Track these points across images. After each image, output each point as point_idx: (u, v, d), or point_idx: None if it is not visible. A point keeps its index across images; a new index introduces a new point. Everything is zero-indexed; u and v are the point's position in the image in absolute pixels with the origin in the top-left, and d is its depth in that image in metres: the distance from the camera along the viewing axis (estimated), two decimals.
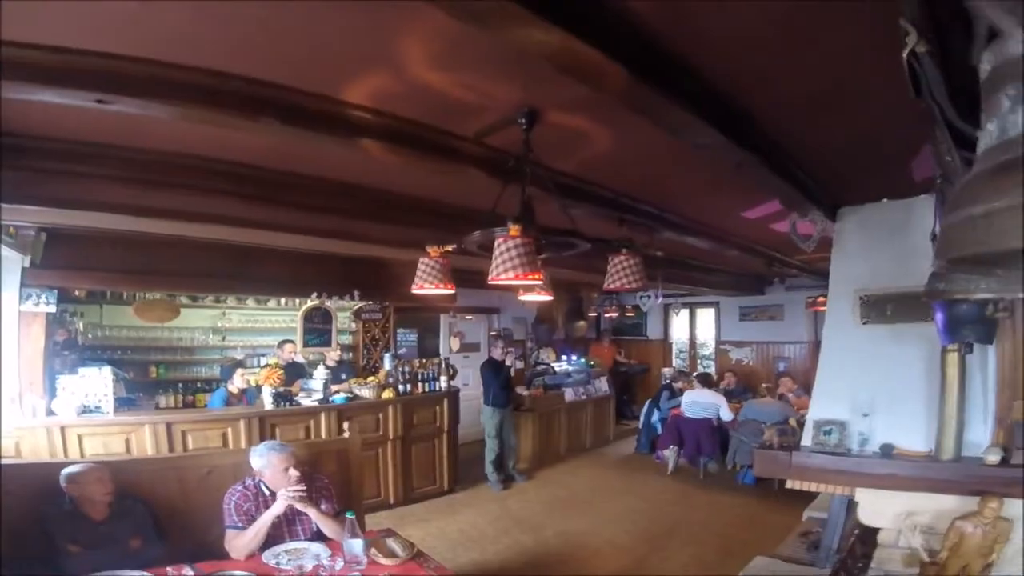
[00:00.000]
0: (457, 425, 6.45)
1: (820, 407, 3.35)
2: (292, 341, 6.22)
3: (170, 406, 5.29)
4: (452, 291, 2.90)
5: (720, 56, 1.84)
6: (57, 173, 2.59)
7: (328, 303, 6.29)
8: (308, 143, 2.35)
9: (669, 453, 7.11)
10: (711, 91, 2.02)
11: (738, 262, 6.64)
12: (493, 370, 6.54)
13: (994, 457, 2.79)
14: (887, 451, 3.03)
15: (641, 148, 2.69)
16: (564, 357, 9.13)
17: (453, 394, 6.37)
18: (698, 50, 1.80)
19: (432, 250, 2.80)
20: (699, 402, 7.01)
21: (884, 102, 2.06)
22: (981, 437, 2.90)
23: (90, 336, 5.79)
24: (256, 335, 6.91)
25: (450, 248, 2.79)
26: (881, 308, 3.18)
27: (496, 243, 2.18)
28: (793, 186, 2.87)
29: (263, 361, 6.19)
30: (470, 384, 8.11)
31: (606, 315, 10.61)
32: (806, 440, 3.27)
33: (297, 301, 6.51)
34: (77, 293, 5.40)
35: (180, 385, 6.20)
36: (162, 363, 6.37)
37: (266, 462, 2.74)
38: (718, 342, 10.36)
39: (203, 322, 6.64)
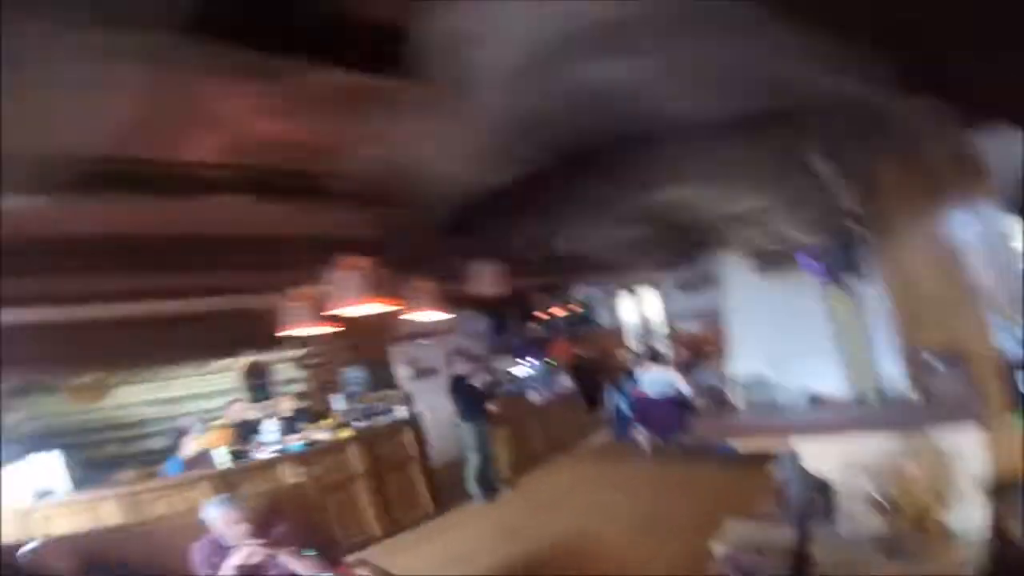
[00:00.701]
0: (427, 449, 6.42)
1: (740, 364, 3.44)
2: (240, 400, 6.14)
3: (130, 480, 5.17)
4: (327, 329, 2.95)
5: None
6: None
7: (262, 357, 6.23)
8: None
9: (640, 435, 7.25)
10: None
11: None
12: (458, 386, 6.58)
13: (909, 391, 2.86)
14: (813, 400, 3.12)
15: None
16: (523, 361, 9.21)
17: (414, 420, 6.36)
18: None
19: (293, 294, 2.83)
20: (656, 379, 7.15)
21: None
22: (895, 373, 2.97)
23: (35, 426, 5.62)
24: (201, 400, 6.75)
25: (310, 290, 2.80)
26: (774, 259, 3.25)
27: (335, 274, 2.22)
28: None
29: (214, 424, 6.07)
30: (436, 408, 8.05)
31: (557, 313, 10.75)
32: (735, 399, 3.37)
33: (231, 361, 6.42)
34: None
35: (136, 459, 5.98)
36: (111, 441, 6.21)
37: (216, 517, 2.77)
38: (667, 318, 10.60)
39: (145, 395, 6.50)
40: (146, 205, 2.25)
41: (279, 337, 5.77)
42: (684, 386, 6.98)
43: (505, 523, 5.76)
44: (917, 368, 2.88)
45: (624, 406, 7.99)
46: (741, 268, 3.51)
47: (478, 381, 6.86)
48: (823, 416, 3.03)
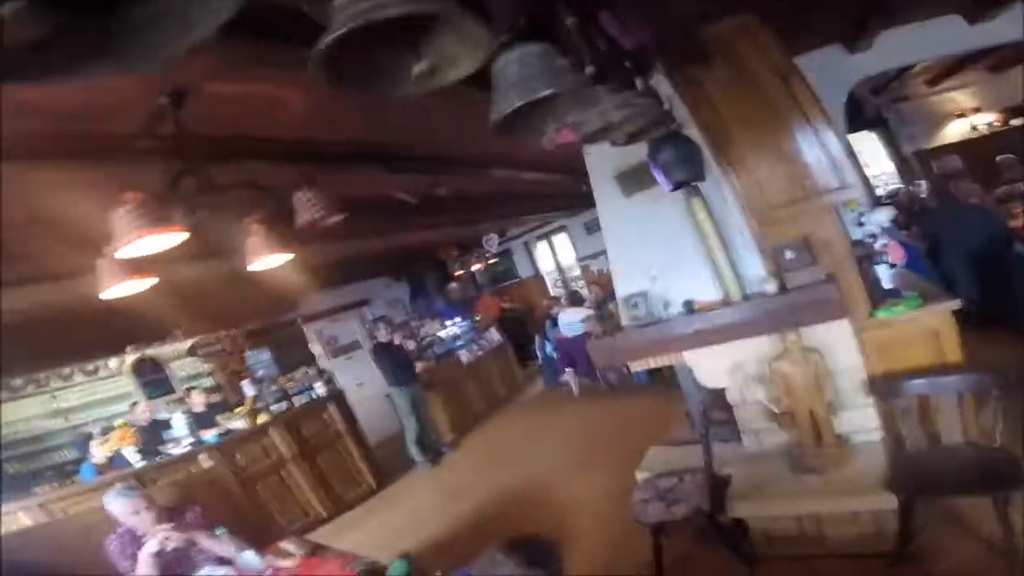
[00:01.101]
0: (356, 425, 6.37)
1: (621, 283, 3.53)
2: (139, 401, 5.85)
3: (45, 493, 4.88)
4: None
5: None
6: None
7: (150, 351, 5.92)
8: None
9: (568, 377, 7.46)
10: None
11: (550, 185, 6.81)
12: (385, 352, 6.54)
13: (770, 287, 2.94)
14: (688, 307, 3.20)
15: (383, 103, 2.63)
16: (450, 322, 9.24)
17: (338, 395, 6.27)
18: None
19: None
20: (572, 322, 7.34)
21: None
22: (758, 271, 3.10)
23: None
24: (101, 407, 6.39)
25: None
26: (635, 180, 3.37)
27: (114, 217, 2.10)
28: None
29: (117, 425, 5.77)
30: (364, 383, 8.00)
31: (473, 269, 10.79)
32: (624, 320, 3.46)
33: (118, 362, 6.09)
34: None
35: (48, 472, 5.78)
36: (13, 458, 5.83)
37: (116, 510, 2.65)
38: (578, 260, 10.88)
39: (38, 409, 6.10)
40: None
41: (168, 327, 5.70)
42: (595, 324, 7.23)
43: (451, 484, 5.84)
44: (775, 264, 3.02)
45: (552, 351, 8.21)
46: (608, 193, 3.58)
47: (401, 345, 6.82)
48: (701, 325, 3.12)
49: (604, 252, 9.75)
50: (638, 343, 3.33)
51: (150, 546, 2.56)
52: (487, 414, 8.02)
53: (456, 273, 10.70)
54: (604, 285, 8.94)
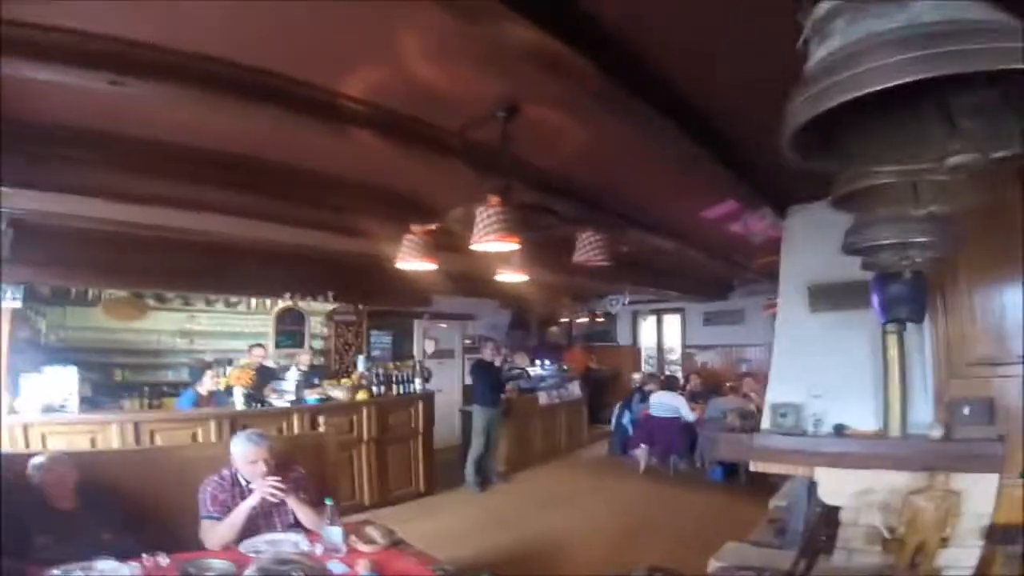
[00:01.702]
0: (432, 427, 6.46)
1: (776, 392, 3.51)
2: (262, 345, 6.20)
3: (135, 409, 5.20)
4: (435, 266, 3.00)
5: (677, 56, 2.00)
6: (38, 157, 2.61)
7: (301, 304, 6.26)
8: (298, 132, 2.43)
9: (640, 452, 7.26)
10: (668, 87, 2.19)
11: (699, 265, 6.88)
12: (484, 370, 6.65)
13: (937, 433, 2.93)
14: (839, 430, 3.19)
15: (608, 145, 2.83)
16: (538, 362, 9.23)
17: (428, 396, 6.40)
18: (659, 52, 1.96)
19: (416, 228, 2.91)
20: (664, 403, 7.22)
21: None
22: (924, 415, 3.06)
23: (52, 337, 5.64)
24: (225, 339, 6.78)
25: (433, 227, 2.89)
26: (828, 297, 3.38)
27: (478, 211, 2.31)
28: (746, 183, 3.07)
29: (232, 366, 6.12)
30: (444, 390, 8.14)
31: (577, 320, 10.77)
32: (765, 424, 3.44)
33: (268, 304, 6.46)
34: (42, 291, 5.29)
35: (146, 388, 6.08)
36: (127, 366, 6.20)
37: (239, 452, 2.74)
38: (684, 346, 10.63)
39: (170, 325, 6.51)
40: (275, 121, 2.31)
41: (317, 287, 6.08)
42: (688, 413, 7.07)
43: (495, 512, 5.79)
44: (946, 411, 2.96)
45: (628, 423, 8.00)
46: (792, 301, 3.58)
47: (501, 368, 6.91)
48: (848, 448, 3.10)
49: (714, 347, 9.83)
50: (774, 447, 3.32)
51: (253, 499, 2.62)
52: (545, 459, 7.93)
53: (560, 318, 10.73)
54: (705, 379, 8.69)
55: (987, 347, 2.86)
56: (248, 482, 2.71)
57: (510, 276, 3.27)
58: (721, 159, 2.72)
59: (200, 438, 4.70)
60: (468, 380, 6.79)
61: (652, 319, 11.06)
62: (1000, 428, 2.88)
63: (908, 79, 0.80)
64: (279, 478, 2.70)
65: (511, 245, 2.40)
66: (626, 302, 8.33)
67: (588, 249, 2.97)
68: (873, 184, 1.06)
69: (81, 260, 4.69)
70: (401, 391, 6.16)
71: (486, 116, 2.31)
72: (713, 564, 3.41)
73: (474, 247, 2.39)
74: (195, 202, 3.23)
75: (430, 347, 8.70)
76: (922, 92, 0.91)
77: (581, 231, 3.02)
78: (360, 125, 2.31)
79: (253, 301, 6.78)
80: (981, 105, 0.96)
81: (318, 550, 2.50)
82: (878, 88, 0.83)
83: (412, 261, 2.92)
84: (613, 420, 8.42)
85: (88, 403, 4.66)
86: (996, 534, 2.84)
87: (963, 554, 2.90)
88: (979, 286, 2.91)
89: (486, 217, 2.29)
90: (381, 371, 6.12)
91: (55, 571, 2.15)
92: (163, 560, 2.31)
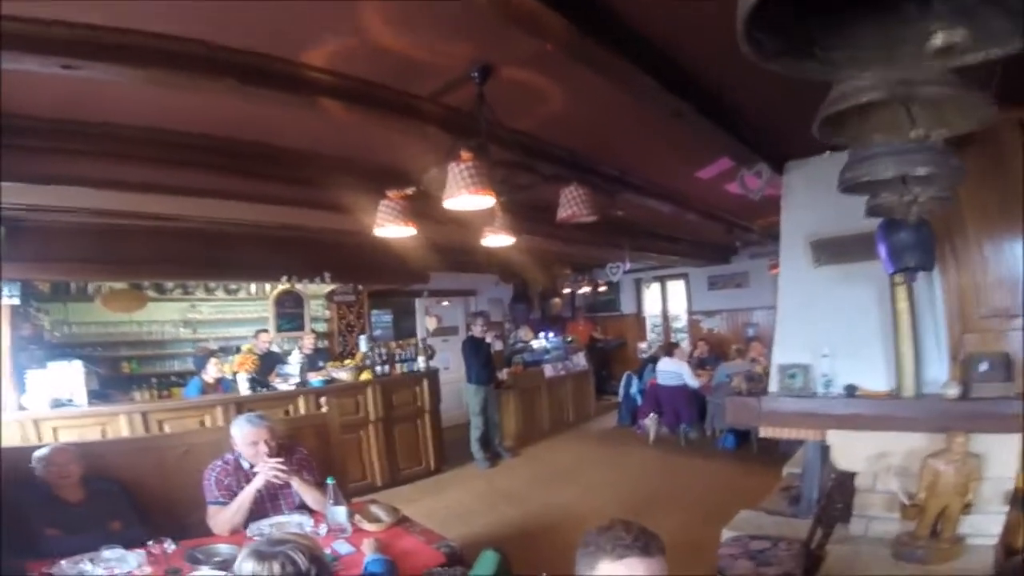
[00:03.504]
0: (439, 405, 6.47)
1: (783, 352, 3.42)
2: (267, 330, 6.19)
3: (145, 400, 5.22)
4: (414, 231, 2.92)
5: (655, 9, 1.93)
6: (23, 149, 2.57)
7: (299, 286, 6.24)
8: (269, 108, 2.37)
9: (649, 422, 7.23)
10: (648, 43, 2.13)
11: (699, 228, 6.81)
12: (474, 347, 6.57)
13: (953, 392, 2.84)
14: (851, 391, 3.10)
15: (593, 106, 2.77)
16: (541, 335, 9.20)
17: (433, 374, 6.39)
18: (636, 7, 1.90)
19: (392, 193, 2.83)
20: (668, 370, 7.16)
21: None
22: (938, 373, 2.98)
23: (56, 333, 5.65)
24: (228, 326, 6.81)
25: (409, 191, 2.82)
26: (832, 250, 3.27)
27: (449, 167, 2.24)
28: (737, 139, 3.00)
29: (242, 349, 6.12)
30: (451, 368, 8.15)
31: (579, 291, 10.71)
32: (773, 386, 3.35)
33: (268, 288, 6.44)
34: (40, 287, 5.29)
35: (154, 379, 6.16)
36: (133, 358, 6.26)
37: (239, 434, 2.72)
38: (689, 313, 10.52)
39: (172, 315, 6.52)
40: (243, 97, 2.25)
41: (314, 268, 6.06)
42: (691, 380, 7.02)
43: (504, 487, 5.81)
44: (962, 368, 2.86)
45: (636, 392, 7.99)
46: (795, 257, 3.47)
47: (492, 345, 6.85)
48: (861, 410, 3.02)
49: (720, 312, 9.75)
50: (784, 411, 3.24)
51: (257, 481, 2.61)
52: (553, 433, 7.94)
53: (562, 290, 10.66)
54: (712, 345, 8.64)
55: (1002, 298, 2.76)
56: (252, 465, 2.70)
57: (497, 239, 3.16)
58: (711, 116, 2.67)
59: (208, 425, 4.70)
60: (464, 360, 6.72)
61: (656, 286, 10.94)
62: (1018, 385, 2.78)
63: None
64: (281, 460, 2.68)
65: (486, 200, 2.32)
66: (626, 269, 8.23)
67: (572, 204, 2.87)
68: (864, 104, 0.99)
69: (77, 255, 4.67)
70: (405, 370, 6.14)
71: (460, 79, 2.26)
72: (726, 534, 3.36)
73: (447, 204, 2.32)
74: (176, 187, 3.24)
75: (432, 324, 8.67)
76: None
77: (564, 186, 2.92)
78: (331, 96, 2.26)
79: (253, 287, 6.77)
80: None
81: (323, 531, 2.50)
82: None
83: (389, 227, 2.84)
84: (621, 390, 8.41)
85: (98, 396, 4.68)
86: (1020, 499, 2.79)
87: (986, 521, 2.87)
88: (989, 237, 2.80)
89: (457, 173, 2.22)
90: (383, 351, 6.08)
91: (63, 562, 2.16)
92: (169, 547, 2.30)
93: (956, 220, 2.78)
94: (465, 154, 2.20)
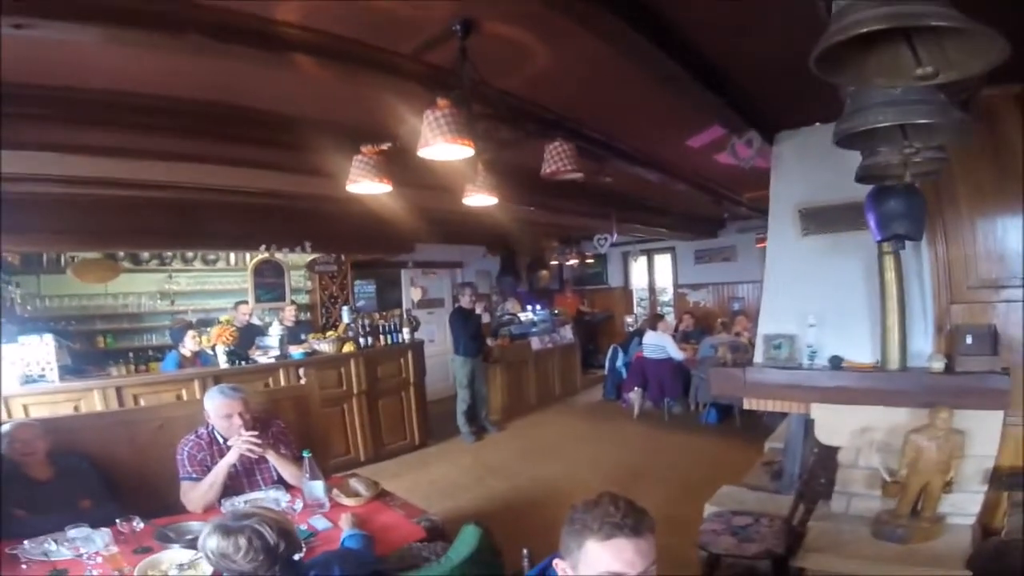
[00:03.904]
0: (424, 378, 6.40)
1: (769, 322, 3.40)
2: (246, 302, 6.06)
3: (122, 375, 5.10)
4: (389, 187, 2.80)
5: None
6: None
7: (278, 255, 6.09)
8: (240, 68, 2.26)
9: (634, 396, 7.25)
10: (640, 4, 2.05)
11: (688, 200, 6.74)
12: (462, 319, 6.49)
13: (938, 365, 2.82)
14: (836, 363, 3.08)
15: (582, 67, 2.67)
16: (529, 307, 9.15)
17: (417, 346, 6.31)
18: None
19: (366, 148, 2.71)
20: (652, 343, 7.16)
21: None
22: (924, 346, 2.96)
23: (28, 307, 5.49)
24: (206, 298, 6.66)
25: (385, 146, 2.71)
26: (821, 220, 3.24)
27: (425, 115, 2.13)
28: (728, 106, 2.92)
29: (220, 320, 6.00)
30: (436, 340, 8.09)
31: (567, 263, 10.66)
32: (758, 357, 3.34)
33: (248, 258, 6.29)
34: (11, 259, 5.12)
35: (131, 354, 6.03)
36: (109, 332, 6.11)
37: (212, 406, 2.64)
38: (676, 286, 10.53)
39: (149, 287, 6.35)
40: (212, 54, 2.14)
41: (294, 237, 5.92)
42: (675, 352, 7.03)
43: (489, 461, 5.80)
44: (948, 341, 2.85)
45: (622, 366, 8.00)
46: (783, 226, 3.44)
47: (480, 316, 6.78)
48: (846, 383, 3.00)
49: (706, 285, 9.76)
50: (768, 382, 3.23)
51: (231, 456, 2.54)
52: (539, 406, 7.95)
53: (549, 262, 10.60)
54: (698, 318, 8.65)
55: (989, 268, 2.74)
56: (226, 439, 2.62)
57: (479, 199, 3.05)
58: (697, 77, 2.58)
59: (185, 399, 4.60)
60: (451, 331, 6.65)
61: (643, 259, 10.89)
62: (1003, 360, 2.77)
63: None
64: (256, 433, 2.60)
65: (463, 150, 2.22)
66: (614, 240, 8.16)
67: (556, 159, 2.77)
68: (865, 41, 0.94)
69: (49, 225, 4.50)
70: (389, 341, 6.05)
71: (442, 35, 2.14)
72: (709, 509, 3.37)
73: (422, 153, 2.21)
74: (144, 151, 3.10)
75: (417, 296, 8.59)
76: None
77: (548, 142, 2.82)
78: (305, 53, 2.14)
79: (232, 257, 6.60)
80: None
81: (299, 506, 2.45)
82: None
83: (363, 183, 2.71)
84: (607, 363, 8.41)
85: (72, 372, 4.56)
86: (1000, 478, 2.79)
87: (966, 500, 2.88)
88: (982, 212, 2.77)
89: (433, 120, 2.10)
90: (367, 322, 5.98)
91: (27, 543, 2.09)
92: (138, 525, 2.22)
93: (948, 195, 2.76)
94: (442, 101, 2.09)
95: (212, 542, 1.55)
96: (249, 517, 1.58)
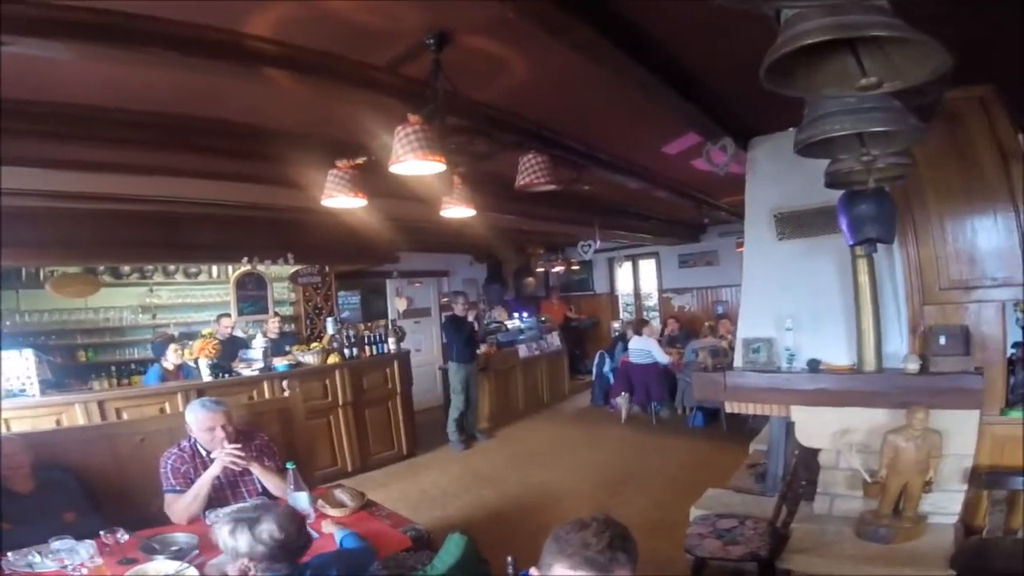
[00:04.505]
0: (411, 388, 6.38)
1: (747, 326, 3.45)
2: (229, 315, 6.02)
3: (104, 389, 5.04)
4: (364, 202, 2.83)
5: None
6: None
7: (260, 268, 6.05)
8: (211, 81, 2.28)
9: (621, 401, 7.29)
10: (613, 14, 2.08)
11: (669, 206, 6.82)
12: (455, 326, 6.51)
13: (913, 366, 2.87)
14: (814, 366, 3.13)
15: (558, 77, 2.71)
16: (516, 315, 9.18)
17: (403, 356, 6.30)
18: None
19: (341, 163, 2.73)
20: (638, 348, 7.20)
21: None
22: (899, 347, 3.01)
23: (8, 323, 5.41)
24: (188, 311, 6.60)
25: (359, 160, 2.74)
26: (795, 224, 3.30)
27: (396, 131, 2.16)
28: (703, 112, 2.98)
29: (203, 334, 5.94)
30: (423, 350, 8.07)
31: (553, 270, 10.71)
32: (738, 361, 3.38)
33: (230, 271, 6.24)
34: None
35: (113, 368, 5.95)
36: (90, 346, 6.03)
37: (193, 419, 2.63)
38: (660, 291, 10.61)
39: (130, 300, 6.29)
40: (184, 70, 2.18)
41: (276, 249, 5.91)
42: (661, 356, 7.09)
43: (479, 469, 5.79)
44: (921, 342, 2.90)
45: (609, 371, 8.04)
46: (759, 231, 3.50)
47: (474, 323, 6.80)
48: (824, 385, 3.04)
49: (690, 289, 9.85)
50: (748, 386, 3.27)
51: (214, 468, 2.53)
52: (528, 413, 7.95)
53: (535, 269, 10.64)
54: (683, 323, 8.72)
55: (959, 269, 2.80)
56: (208, 452, 2.62)
57: (456, 211, 3.08)
58: (678, 91, 2.64)
59: (168, 412, 4.56)
60: (445, 339, 6.66)
61: (628, 265, 10.99)
62: (976, 359, 2.83)
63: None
64: (239, 446, 2.60)
65: (435, 166, 2.24)
66: (597, 246, 8.23)
67: (529, 171, 2.81)
68: (811, 52, 0.99)
69: (28, 239, 4.46)
70: (374, 352, 6.03)
71: (417, 47, 2.17)
72: (694, 512, 3.39)
73: (394, 169, 2.24)
74: (125, 165, 3.11)
75: (402, 306, 8.57)
76: None
77: (523, 154, 2.86)
78: (280, 67, 2.16)
79: (215, 270, 6.56)
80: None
81: None
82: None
83: (339, 197, 2.73)
84: (594, 369, 8.44)
85: (53, 386, 4.52)
86: (979, 477, 2.84)
87: (946, 499, 2.93)
88: (951, 213, 2.84)
89: (404, 136, 2.13)
90: (352, 333, 5.96)
91: (10, 555, 2.07)
92: (122, 537, 2.21)
93: (918, 198, 2.82)
94: (413, 117, 2.11)
95: (242, 536, 1.56)
96: (263, 508, 1.62)
